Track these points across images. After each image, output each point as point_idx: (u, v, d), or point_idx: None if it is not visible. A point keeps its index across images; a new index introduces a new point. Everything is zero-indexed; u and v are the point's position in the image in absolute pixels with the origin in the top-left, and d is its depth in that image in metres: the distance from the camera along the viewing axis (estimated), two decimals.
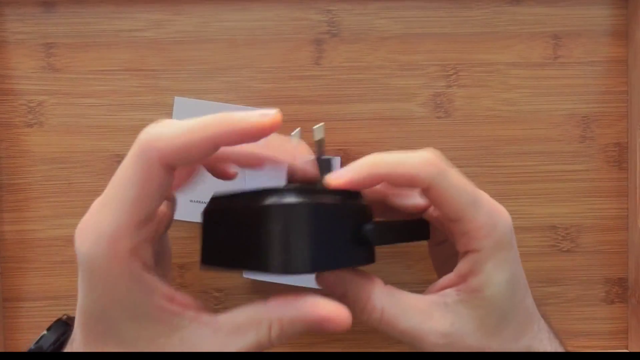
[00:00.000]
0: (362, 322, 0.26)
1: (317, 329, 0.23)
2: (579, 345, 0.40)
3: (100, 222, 0.22)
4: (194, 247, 0.38)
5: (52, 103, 0.38)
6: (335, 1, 0.38)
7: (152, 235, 0.24)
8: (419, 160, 0.25)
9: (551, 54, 0.39)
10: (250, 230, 0.23)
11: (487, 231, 0.25)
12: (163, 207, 0.27)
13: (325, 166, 0.28)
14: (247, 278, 0.38)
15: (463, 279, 0.26)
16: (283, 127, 0.37)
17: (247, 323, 0.23)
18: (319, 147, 0.28)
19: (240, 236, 0.23)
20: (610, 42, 0.39)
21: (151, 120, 0.37)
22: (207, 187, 0.38)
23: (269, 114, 0.23)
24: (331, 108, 0.38)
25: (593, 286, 0.39)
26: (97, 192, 0.37)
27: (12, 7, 0.37)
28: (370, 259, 0.26)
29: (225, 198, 0.26)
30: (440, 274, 0.33)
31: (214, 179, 0.38)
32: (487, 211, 0.25)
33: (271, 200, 0.22)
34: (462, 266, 0.26)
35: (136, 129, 0.37)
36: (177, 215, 0.38)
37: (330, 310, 0.23)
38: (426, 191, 0.25)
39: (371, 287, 0.26)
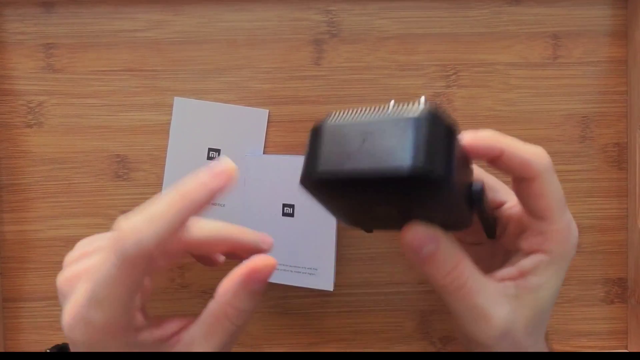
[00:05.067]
0: (438, 285, 0.25)
1: (254, 281, 0.25)
2: (579, 345, 0.40)
3: (91, 321, 0.23)
4: None
5: (52, 103, 0.38)
6: (335, 1, 0.38)
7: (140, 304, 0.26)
8: (534, 149, 0.26)
9: (551, 54, 0.39)
10: (395, 134, 0.21)
11: (563, 238, 0.26)
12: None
13: None
14: None
15: (522, 275, 0.27)
16: (285, 127, 0.38)
17: (212, 325, 0.25)
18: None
19: (378, 141, 0.21)
20: (610, 42, 0.39)
21: (151, 121, 0.38)
22: None
23: (224, 171, 0.24)
24: (331, 108, 0.38)
25: (592, 286, 0.39)
26: (97, 192, 0.38)
27: (12, 8, 0.37)
28: (468, 223, 0.26)
29: (344, 113, 0.24)
30: None
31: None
32: (569, 219, 0.26)
33: (426, 109, 0.22)
34: (526, 263, 0.27)
35: (136, 129, 0.38)
36: None
37: (257, 260, 0.26)
38: (529, 181, 0.26)
39: (462, 254, 0.26)
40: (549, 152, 0.38)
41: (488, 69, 0.38)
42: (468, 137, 0.25)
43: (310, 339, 0.39)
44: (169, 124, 0.38)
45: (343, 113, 0.24)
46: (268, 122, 0.38)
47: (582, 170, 0.39)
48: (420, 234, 0.24)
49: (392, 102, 0.23)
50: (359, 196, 0.23)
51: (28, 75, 0.37)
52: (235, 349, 0.39)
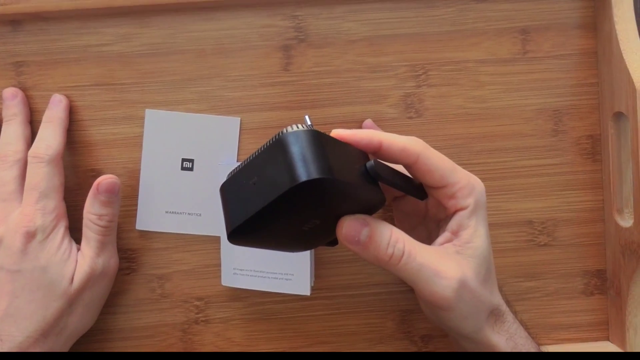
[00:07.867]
0: (385, 262, 0.28)
1: (100, 192, 0.34)
2: (561, 338, 0.40)
3: (45, 207, 0.34)
4: (172, 258, 0.38)
5: None
6: (301, 6, 0.38)
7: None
8: (407, 138, 0.29)
9: (520, 49, 0.38)
10: (270, 164, 0.25)
11: (469, 191, 0.30)
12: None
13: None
14: (226, 286, 0.38)
15: (455, 234, 0.30)
16: (258, 134, 0.38)
17: (84, 232, 0.35)
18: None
19: (262, 176, 0.25)
20: (579, 35, 0.39)
21: (123, 134, 0.38)
22: (181, 199, 0.38)
23: (61, 100, 0.37)
24: (302, 113, 0.38)
25: (572, 279, 0.40)
26: (71, 208, 0.38)
27: None
28: (381, 199, 0.28)
29: (236, 168, 0.27)
30: None
31: (186, 192, 0.38)
32: (465, 175, 0.30)
33: (285, 131, 0.25)
34: (452, 223, 0.30)
35: (109, 143, 0.38)
36: (154, 227, 0.38)
37: (100, 178, 0.34)
38: (414, 164, 0.29)
39: (390, 226, 0.28)
40: (522, 148, 0.39)
41: (457, 67, 0.38)
42: (346, 133, 0.28)
43: (291, 343, 0.39)
44: (142, 136, 0.38)
45: (238, 165, 0.27)
46: (240, 129, 0.38)
47: (556, 164, 0.39)
48: (352, 224, 0.27)
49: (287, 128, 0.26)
50: (276, 224, 0.26)
51: None
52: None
